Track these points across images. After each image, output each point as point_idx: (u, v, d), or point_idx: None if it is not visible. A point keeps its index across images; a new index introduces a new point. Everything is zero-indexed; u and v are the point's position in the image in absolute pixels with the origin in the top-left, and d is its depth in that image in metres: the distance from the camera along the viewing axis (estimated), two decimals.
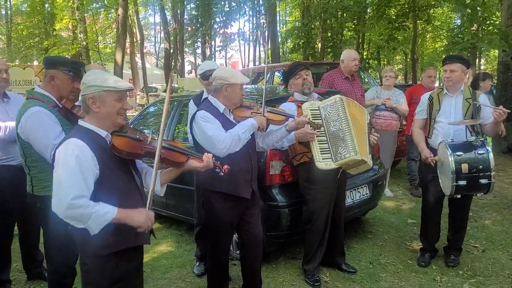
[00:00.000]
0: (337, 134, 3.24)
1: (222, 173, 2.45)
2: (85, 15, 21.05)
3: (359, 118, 3.42)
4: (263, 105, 2.99)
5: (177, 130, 4.75)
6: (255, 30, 23.92)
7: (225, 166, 2.46)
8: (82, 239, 1.99)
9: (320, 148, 3.24)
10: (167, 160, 2.21)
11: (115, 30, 19.43)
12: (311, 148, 3.27)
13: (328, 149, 3.23)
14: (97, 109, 2.05)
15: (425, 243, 4.03)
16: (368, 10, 13.41)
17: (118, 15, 16.67)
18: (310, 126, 3.14)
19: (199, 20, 15.27)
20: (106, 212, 1.92)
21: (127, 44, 23.19)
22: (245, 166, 2.96)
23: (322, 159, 3.22)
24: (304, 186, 3.57)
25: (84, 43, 18.23)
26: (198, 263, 3.90)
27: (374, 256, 4.13)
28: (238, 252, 3.79)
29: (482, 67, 28.91)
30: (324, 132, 3.25)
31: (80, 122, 2.13)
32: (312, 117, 3.24)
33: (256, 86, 6.52)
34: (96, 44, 25.55)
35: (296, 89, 3.61)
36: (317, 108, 3.33)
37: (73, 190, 1.88)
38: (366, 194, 4.24)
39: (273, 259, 4.02)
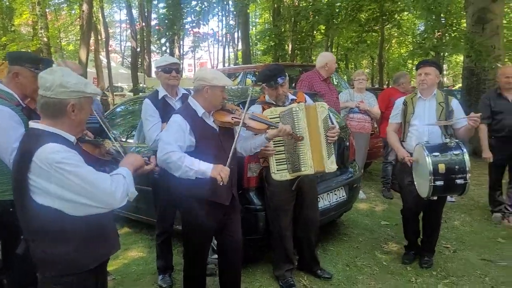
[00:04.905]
0: (293, 146, 3.18)
1: (156, 174, 2.53)
2: (47, 10, 20.30)
3: (314, 122, 3.26)
4: (244, 112, 2.85)
5: None
6: (225, 32, 23.84)
7: (156, 168, 2.48)
8: (63, 257, 1.83)
9: (276, 160, 3.21)
10: None
11: (78, 26, 18.82)
12: (268, 158, 3.24)
13: (284, 160, 3.21)
14: (74, 116, 1.85)
15: (408, 242, 4.11)
16: (341, 13, 13.57)
17: (83, 11, 16.10)
18: (292, 138, 3.09)
19: (170, 18, 15.02)
20: (123, 175, 1.92)
21: (92, 42, 22.53)
22: None
23: (277, 170, 3.21)
24: (265, 186, 3.54)
25: (45, 39, 17.53)
26: (161, 276, 3.69)
27: (350, 259, 4.13)
28: (214, 257, 3.69)
29: (445, 73, 30.03)
30: (282, 142, 3.20)
31: (38, 125, 1.84)
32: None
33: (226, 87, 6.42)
34: (58, 41, 24.72)
35: (269, 95, 3.47)
36: (277, 116, 3.24)
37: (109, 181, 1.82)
38: (343, 196, 4.24)
39: (250, 263, 3.94)
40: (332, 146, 3.33)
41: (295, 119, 3.18)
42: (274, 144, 3.20)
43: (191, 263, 3.05)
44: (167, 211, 3.57)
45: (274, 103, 3.43)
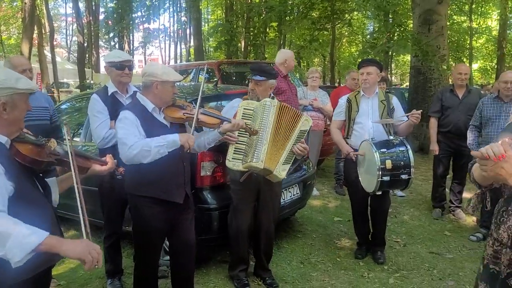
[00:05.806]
0: (256, 138, 3.16)
1: (120, 176, 2.36)
2: None
3: (289, 125, 3.23)
4: (197, 106, 2.78)
5: None
6: (177, 28, 23.40)
7: (121, 169, 2.36)
8: None
9: (235, 148, 3.17)
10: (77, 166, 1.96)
11: (21, 19, 17.78)
12: (229, 145, 3.20)
13: (242, 151, 3.18)
14: (7, 115, 1.69)
15: (359, 237, 4.18)
16: (293, 10, 13.67)
17: (25, 3, 15.23)
18: (246, 131, 3.05)
19: (119, 12, 14.48)
20: (31, 233, 1.50)
21: (35, 36, 21.41)
22: (177, 168, 2.78)
23: (232, 158, 3.18)
24: (229, 181, 3.50)
25: None
26: (110, 280, 3.52)
27: (305, 255, 4.14)
28: (166, 258, 3.57)
29: (393, 71, 31.24)
30: (246, 134, 3.17)
31: None
32: (242, 116, 3.16)
33: (179, 84, 6.27)
34: None
35: None
36: (252, 109, 3.23)
37: None
38: (297, 193, 4.24)
39: (203, 263, 3.85)
40: (293, 158, 3.29)
41: (265, 112, 3.18)
42: (238, 133, 3.14)
43: (143, 265, 2.93)
44: (115, 212, 3.40)
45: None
